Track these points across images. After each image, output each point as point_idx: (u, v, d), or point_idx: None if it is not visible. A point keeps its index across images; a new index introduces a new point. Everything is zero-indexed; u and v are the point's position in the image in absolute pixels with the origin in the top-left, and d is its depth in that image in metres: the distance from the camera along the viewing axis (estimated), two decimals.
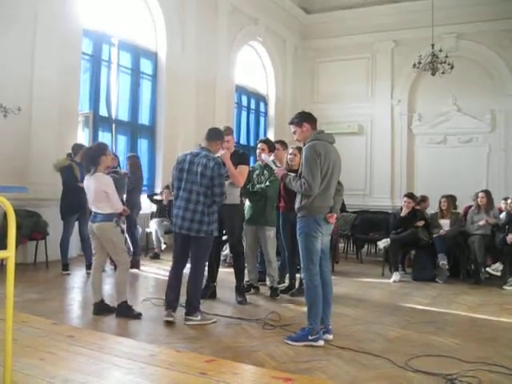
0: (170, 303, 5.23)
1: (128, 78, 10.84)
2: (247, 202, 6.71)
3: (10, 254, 2.48)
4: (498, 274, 7.78)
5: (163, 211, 9.93)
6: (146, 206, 10.58)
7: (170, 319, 5.13)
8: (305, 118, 4.81)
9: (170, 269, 5.40)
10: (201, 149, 5.29)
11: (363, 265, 9.84)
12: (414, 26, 13.83)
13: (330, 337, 4.71)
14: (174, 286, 5.27)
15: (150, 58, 11.38)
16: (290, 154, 6.74)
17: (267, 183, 6.47)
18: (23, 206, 7.87)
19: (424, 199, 9.91)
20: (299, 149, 6.35)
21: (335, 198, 4.82)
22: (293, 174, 4.76)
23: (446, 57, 11.85)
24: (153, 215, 10.16)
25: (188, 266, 5.38)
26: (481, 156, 14.04)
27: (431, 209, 9.79)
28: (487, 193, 8.50)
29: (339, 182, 4.90)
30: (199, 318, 5.16)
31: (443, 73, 11.90)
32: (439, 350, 4.46)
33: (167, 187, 9.66)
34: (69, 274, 7.65)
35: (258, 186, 6.53)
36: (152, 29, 11.42)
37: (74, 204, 7.61)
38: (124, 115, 10.74)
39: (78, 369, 3.10)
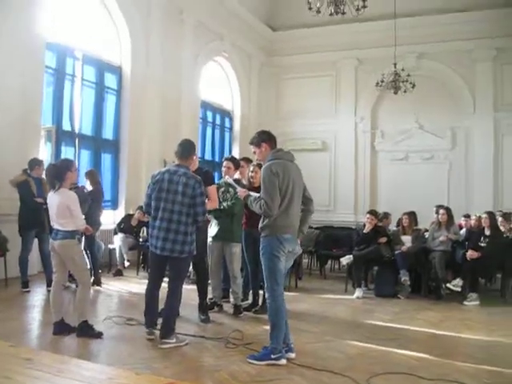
0: (150, 322, 5.21)
1: (92, 93, 10.74)
2: (213, 219, 6.69)
3: None
4: (459, 289, 7.92)
5: (129, 228, 9.80)
6: (109, 221, 10.48)
7: (152, 337, 5.13)
8: (263, 138, 4.83)
9: (146, 287, 5.33)
10: (177, 166, 5.18)
11: (326, 281, 9.88)
12: (377, 45, 14.11)
13: (293, 355, 4.71)
14: (152, 306, 5.24)
15: (114, 72, 11.30)
16: (251, 172, 6.79)
17: (233, 200, 6.48)
18: None
19: (386, 216, 10.06)
20: (259, 166, 6.40)
21: (305, 217, 4.85)
22: (254, 195, 4.75)
23: (408, 75, 12.10)
24: (116, 231, 10.01)
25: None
26: (442, 173, 14.36)
27: (393, 225, 9.94)
28: (447, 209, 8.67)
29: (310, 199, 4.92)
30: (174, 340, 5.05)
31: (405, 91, 12.15)
32: (400, 367, 4.51)
33: (140, 208, 9.48)
34: (28, 292, 7.50)
35: (224, 203, 6.53)
36: (117, 43, 11.36)
37: (31, 219, 7.53)
38: (87, 130, 10.62)
39: None
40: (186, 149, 5.28)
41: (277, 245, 4.60)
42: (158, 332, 5.15)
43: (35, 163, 7.77)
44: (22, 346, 4.32)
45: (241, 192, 4.99)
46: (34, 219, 7.49)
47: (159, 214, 5.04)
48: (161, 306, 5.32)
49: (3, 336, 4.83)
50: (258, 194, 4.74)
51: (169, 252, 5.02)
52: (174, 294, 5.18)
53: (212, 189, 6.10)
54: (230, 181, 5.70)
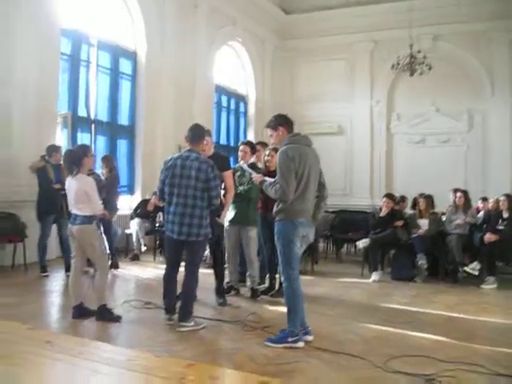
0: (169, 308, 5.26)
1: (107, 78, 10.76)
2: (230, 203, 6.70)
3: None
4: (476, 273, 7.88)
5: (145, 213, 9.86)
6: (126, 206, 10.55)
7: (172, 322, 5.18)
8: (280, 122, 4.80)
9: (164, 273, 5.37)
10: (189, 151, 5.20)
11: (343, 264, 9.89)
12: (393, 27, 13.91)
13: (310, 338, 4.73)
14: (171, 291, 5.29)
15: (129, 57, 11.31)
16: (267, 156, 6.77)
17: (249, 185, 6.48)
18: (0, 208, 7.79)
19: (403, 199, 10.02)
20: (275, 150, 6.37)
21: (318, 203, 4.82)
22: (269, 180, 4.74)
23: (424, 58, 11.97)
24: (132, 216, 10.08)
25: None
26: (459, 156, 14.22)
27: (408, 208, 9.89)
28: (465, 193, 8.61)
29: (323, 185, 4.89)
30: (192, 323, 5.10)
31: (421, 74, 12.02)
32: (418, 350, 4.50)
33: (155, 193, 9.52)
34: (47, 276, 7.60)
35: (240, 187, 6.55)
36: (131, 28, 11.35)
37: (48, 205, 7.61)
38: (103, 115, 10.66)
39: (55, 375, 3.07)
40: (196, 133, 5.31)
41: (291, 229, 4.59)
42: (176, 316, 5.20)
43: (53, 149, 7.85)
44: (41, 329, 4.38)
45: (256, 177, 4.99)
46: (51, 205, 7.59)
47: (174, 199, 5.09)
48: (179, 290, 5.37)
49: (22, 319, 4.89)
50: (272, 179, 4.73)
51: (186, 236, 5.06)
52: (191, 277, 5.22)
53: (228, 174, 6.14)
54: (245, 167, 5.70)
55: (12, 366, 3.13)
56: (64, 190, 7.09)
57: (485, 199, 10.22)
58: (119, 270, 8.30)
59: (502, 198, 8.25)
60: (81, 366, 3.05)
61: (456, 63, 14.14)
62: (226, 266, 6.62)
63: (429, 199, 8.72)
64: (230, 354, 4.40)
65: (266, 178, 4.87)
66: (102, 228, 7.85)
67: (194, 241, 5.10)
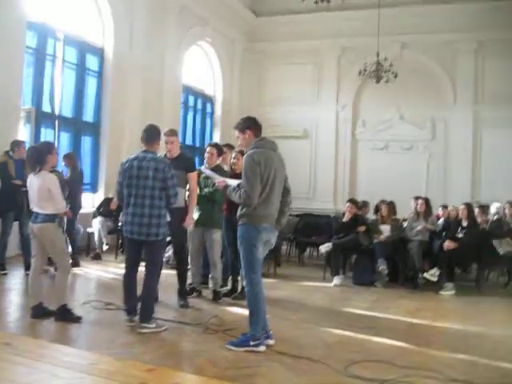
0: (131, 309, 5.21)
1: (73, 74, 10.59)
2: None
3: None
4: (435, 279, 8.03)
5: (108, 212, 9.74)
6: (88, 205, 10.42)
7: (133, 324, 5.13)
8: (248, 125, 4.80)
9: (123, 274, 5.34)
10: (144, 152, 5.22)
11: (305, 268, 9.96)
12: (361, 34, 14.05)
13: (272, 342, 4.75)
14: (131, 292, 5.25)
15: (96, 54, 11.15)
16: (233, 158, 6.78)
17: (214, 187, 6.46)
18: None
19: (365, 205, 10.15)
20: (241, 152, 6.41)
21: (283, 209, 4.83)
22: (233, 185, 4.74)
23: (391, 65, 12.14)
24: (95, 214, 9.94)
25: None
26: (421, 163, 14.49)
27: (370, 214, 10.01)
28: (426, 200, 8.78)
29: (288, 190, 4.92)
30: (154, 325, 5.08)
31: (387, 81, 12.19)
32: (378, 355, 4.57)
33: None
34: (5, 274, 7.43)
35: (205, 189, 6.53)
36: (99, 24, 11.20)
37: (9, 202, 7.48)
38: (68, 112, 10.49)
39: (14, 379, 3.01)
40: (151, 134, 5.33)
41: (254, 234, 4.60)
42: (137, 317, 5.17)
43: (16, 144, 7.73)
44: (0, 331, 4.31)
45: (219, 183, 4.97)
46: (11, 201, 7.45)
47: (131, 200, 5.09)
48: (139, 292, 5.33)
49: None
50: (236, 182, 4.72)
51: (145, 236, 5.06)
52: (152, 277, 5.22)
53: (193, 175, 6.15)
54: (208, 172, 5.66)
55: None
56: (25, 186, 6.99)
57: (445, 207, 10.44)
58: (80, 268, 8.18)
59: (461, 207, 8.44)
60: (41, 370, 3.01)
61: (421, 71, 14.39)
62: (188, 267, 6.59)
63: (391, 205, 8.86)
64: (191, 357, 4.39)
65: (229, 182, 4.86)
66: (64, 226, 7.76)
67: (154, 240, 5.10)
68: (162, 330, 5.07)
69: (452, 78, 14.14)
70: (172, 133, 6.20)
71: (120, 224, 9.52)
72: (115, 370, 2.95)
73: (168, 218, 5.33)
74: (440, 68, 14.23)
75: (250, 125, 4.81)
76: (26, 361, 3.01)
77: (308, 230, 10.53)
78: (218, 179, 5.02)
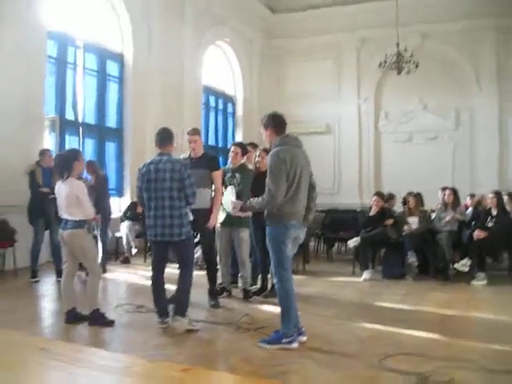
0: (162, 311, 5.26)
1: (94, 81, 10.72)
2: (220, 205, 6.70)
3: None
4: (466, 269, 7.92)
5: (135, 216, 9.83)
6: (115, 209, 10.51)
7: (165, 326, 5.18)
8: (269, 123, 4.79)
9: (151, 277, 5.38)
10: (159, 155, 5.28)
11: (334, 263, 9.92)
12: (380, 26, 13.96)
13: (304, 338, 4.74)
14: (161, 294, 5.31)
15: (116, 59, 11.26)
16: (258, 157, 6.77)
17: (240, 186, 6.48)
18: None
19: (391, 197, 10.06)
20: (265, 151, 6.41)
21: (309, 205, 4.82)
22: (252, 202, 4.80)
23: (411, 56, 12.03)
24: (122, 219, 10.04)
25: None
26: (446, 153, 14.32)
27: (397, 205, 9.92)
28: (454, 190, 8.68)
29: (313, 186, 4.90)
30: (187, 321, 5.17)
31: (408, 72, 12.07)
32: (411, 348, 4.52)
33: None
34: (38, 282, 7.54)
35: None
36: (117, 30, 11.31)
37: (37, 209, 7.62)
38: (91, 118, 10.62)
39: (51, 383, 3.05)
40: (164, 137, 5.37)
41: (283, 231, 4.59)
42: (170, 320, 5.22)
43: (42, 153, 7.89)
44: (35, 336, 4.36)
45: (236, 204, 4.99)
46: (40, 209, 7.58)
47: (152, 203, 5.16)
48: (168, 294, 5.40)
49: (15, 326, 4.88)
50: (254, 199, 4.78)
51: (169, 237, 5.13)
52: (185, 276, 5.29)
53: (218, 174, 6.16)
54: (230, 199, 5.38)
55: (8, 375, 3.12)
56: (53, 194, 7.09)
57: (473, 196, 10.30)
58: (108, 273, 8.26)
59: (490, 195, 8.31)
60: (77, 374, 3.03)
61: (443, 61, 14.22)
62: (218, 267, 6.61)
63: (418, 197, 8.79)
64: (224, 356, 4.41)
65: (248, 202, 4.88)
66: (97, 231, 7.86)
67: (178, 241, 5.16)
68: (195, 330, 5.10)
69: (475, 65, 13.94)
70: (195, 132, 6.21)
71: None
72: (151, 373, 2.96)
73: (191, 218, 5.36)
74: (462, 56, 14.06)
75: (272, 122, 4.79)
76: (62, 365, 3.04)
77: (335, 225, 10.50)
78: (235, 202, 5.03)
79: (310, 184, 4.84)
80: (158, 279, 5.33)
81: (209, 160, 6.20)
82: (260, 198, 4.62)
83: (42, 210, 7.55)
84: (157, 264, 5.37)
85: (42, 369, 3.32)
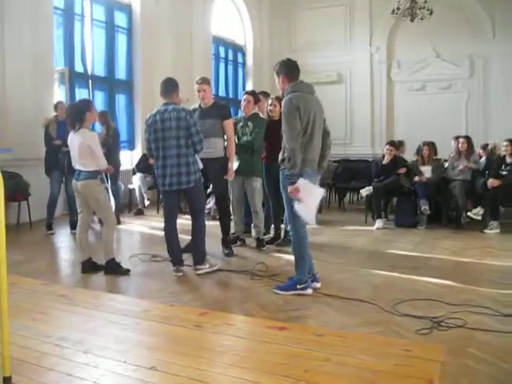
0: (177, 259, 5.36)
1: (103, 32, 10.55)
2: None
3: None
4: (479, 218, 7.89)
5: (147, 168, 9.84)
6: (127, 162, 10.54)
7: (180, 274, 5.29)
8: (282, 69, 4.69)
9: (164, 227, 5.43)
10: (165, 105, 5.29)
11: (346, 213, 9.93)
12: None
13: (318, 285, 4.79)
14: (175, 243, 5.39)
15: (124, 10, 11.06)
16: (270, 105, 6.69)
17: (253, 135, 6.43)
18: (2, 166, 7.73)
19: (401, 144, 9.96)
20: (278, 99, 6.34)
21: (323, 152, 4.75)
22: (287, 162, 4.46)
23: (425, 2, 11.68)
24: (134, 171, 10.06)
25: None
26: (460, 102, 14.06)
27: (408, 154, 9.82)
28: (467, 138, 8.57)
29: (328, 133, 4.84)
30: (207, 265, 5.38)
31: (422, 19, 11.76)
32: (425, 294, 4.56)
33: None
34: (53, 234, 7.63)
35: (244, 138, 6.50)
36: None
37: (51, 161, 7.69)
38: (100, 71, 10.51)
39: (73, 327, 3.12)
40: (169, 86, 5.41)
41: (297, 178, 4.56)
42: (184, 268, 5.33)
43: (57, 105, 7.87)
44: (54, 284, 4.44)
45: (291, 192, 4.44)
46: (53, 162, 7.64)
47: (160, 153, 5.21)
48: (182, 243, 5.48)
49: (33, 276, 4.96)
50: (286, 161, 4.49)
51: (177, 185, 5.19)
52: (199, 223, 5.42)
53: (229, 123, 6.10)
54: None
55: (30, 322, 3.21)
56: (66, 146, 7.12)
57: (485, 147, 10.17)
58: (122, 225, 8.34)
59: (505, 143, 8.19)
60: (98, 318, 3.11)
61: (457, 7, 13.79)
62: (231, 217, 6.64)
63: (431, 146, 8.69)
64: (240, 302, 4.45)
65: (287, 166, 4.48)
66: (108, 184, 7.91)
67: (186, 188, 5.22)
68: (215, 269, 5.35)
69: (490, 11, 13.50)
70: (203, 80, 6.11)
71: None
72: (169, 315, 3.03)
73: (200, 166, 5.39)
74: (476, 2, 13.63)
75: (284, 69, 4.70)
76: (83, 310, 3.12)
77: (347, 175, 10.46)
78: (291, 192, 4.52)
79: (324, 130, 4.78)
80: (170, 229, 5.38)
81: (220, 109, 6.13)
82: (286, 155, 4.44)
83: (56, 162, 7.61)
84: (169, 213, 5.42)
85: (62, 314, 3.41)
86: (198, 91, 6.08)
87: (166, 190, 5.27)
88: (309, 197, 4.43)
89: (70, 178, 7.08)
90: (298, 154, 4.39)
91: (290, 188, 4.41)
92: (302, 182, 4.39)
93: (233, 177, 6.25)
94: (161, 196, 9.57)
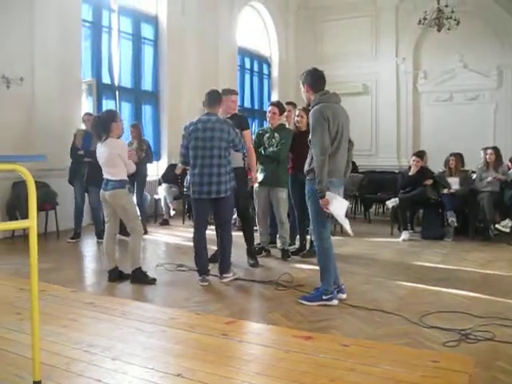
0: (203, 269, 5.40)
1: (129, 44, 10.72)
2: (258, 165, 6.70)
3: (31, 223, 2.48)
4: (507, 230, 7.79)
5: (173, 178, 9.94)
6: (153, 172, 10.64)
7: (206, 284, 5.32)
8: (306, 79, 4.70)
9: (193, 236, 5.49)
10: (207, 115, 5.37)
11: (371, 225, 9.87)
12: None
13: (344, 296, 4.76)
14: (203, 253, 5.45)
15: (150, 22, 11.22)
16: (297, 116, 6.70)
17: (279, 146, 6.46)
18: (33, 176, 7.89)
19: (423, 153, 9.83)
20: (304, 110, 6.35)
21: (348, 161, 4.77)
22: (316, 176, 4.44)
23: (452, 12, 11.62)
24: (160, 181, 10.16)
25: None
26: (487, 113, 13.90)
27: (433, 165, 9.69)
28: (496, 149, 8.47)
29: (351, 142, 4.84)
30: (231, 274, 5.47)
31: (449, 29, 11.68)
32: (452, 306, 4.50)
33: None
34: (75, 242, 7.75)
35: (270, 149, 6.52)
36: None
37: (73, 170, 7.90)
38: (127, 82, 10.66)
39: (102, 334, 3.16)
40: (214, 98, 5.49)
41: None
42: (209, 278, 5.37)
43: (84, 116, 8.03)
44: (83, 291, 4.49)
45: (323, 204, 4.45)
46: (75, 171, 7.84)
47: (198, 161, 5.28)
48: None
49: (60, 284, 5.03)
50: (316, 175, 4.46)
51: (216, 194, 5.27)
52: (227, 234, 5.49)
53: (247, 133, 6.14)
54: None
55: (58, 328, 3.26)
56: (87, 156, 7.25)
57: None
58: (148, 235, 8.40)
59: None
60: (125, 325, 3.14)
61: (485, 17, 13.68)
62: (256, 228, 6.65)
63: (459, 157, 8.61)
64: (265, 312, 4.45)
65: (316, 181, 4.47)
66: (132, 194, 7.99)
67: (223, 197, 5.31)
68: (237, 277, 5.50)
69: None
70: (234, 92, 6.23)
71: (185, 189, 9.73)
72: (196, 323, 3.05)
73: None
74: (505, 12, 13.47)
75: (308, 79, 4.70)
76: (110, 317, 3.16)
77: (373, 186, 10.41)
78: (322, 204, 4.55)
79: (349, 140, 4.79)
80: (200, 237, 5.43)
81: (239, 119, 6.17)
82: (315, 166, 4.42)
83: (78, 172, 7.78)
84: (199, 222, 5.48)
85: (90, 321, 3.46)
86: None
87: (203, 198, 5.31)
88: (338, 209, 4.50)
89: (92, 189, 7.29)
90: (325, 169, 4.39)
91: (321, 201, 4.43)
92: (329, 194, 4.41)
93: (256, 183, 6.29)
94: (186, 207, 9.74)
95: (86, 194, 7.87)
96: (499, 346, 3.57)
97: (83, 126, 8.14)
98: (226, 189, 5.31)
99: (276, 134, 6.51)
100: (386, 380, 2.57)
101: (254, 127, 13.66)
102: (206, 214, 5.52)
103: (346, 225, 4.76)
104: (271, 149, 6.52)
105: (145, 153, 8.46)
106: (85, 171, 7.57)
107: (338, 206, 4.51)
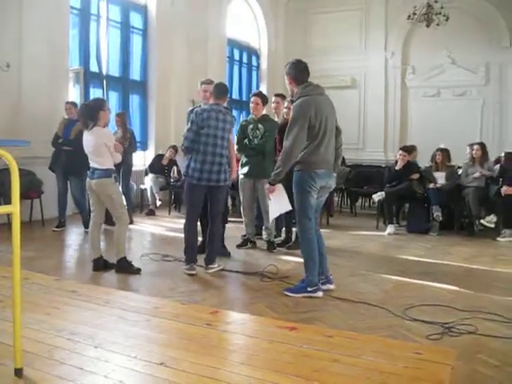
0: (192, 258, 5.41)
1: (118, 33, 10.62)
2: (243, 157, 6.68)
3: (14, 208, 2.45)
4: (492, 225, 7.85)
5: (160, 168, 9.91)
6: (140, 162, 10.59)
7: (194, 272, 5.33)
8: (289, 71, 4.71)
9: (184, 226, 5.47)
10: (216, 105, 5.45)
11: (357, 218, 9.91)
12: None
13: (332, 286, 4.80)
14: (194, 243, 5.48)
15: (139, 11, 11.13)
16: (286, 108, 6.69)
17: (264, 138, 6.44)
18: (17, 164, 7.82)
19: (414, 148, 9.89)
20: (293, 102, 6.32)
21: (337, 150, 4.79)
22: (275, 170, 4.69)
23: (442, 8, 11.66)
24: (147, 172, 10.12)
25: None
26: (475, 109, 13.97)
27: (420, 160, 9.74)
28: (482, 145, 8.51)
29: (339, 131, 4.86)
30: (217, 265, 5.52)
31: (438, 24, 11.73)
32: (436, 300, 4.53)
33: (173, 147, 9.80)
34: (58, 231, 7.70)
35: (254, 141, 6.50)
36: None
37: (54, 160, 7.81)
38: (115, 71, 10.57)
39: (84, 322, 3.14)
40: (221, 90, 5.58)
41: (309, 180, 4.56)
42: (197, 267, 5.39)
43: (66, 104, 7.93)
44: (66, 280, 4.46)
45: (269, 190, 4.85)
46: (56, 159, 7.77)
47: (201, 148, 5.32)
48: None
49: (44, 272, 5.00)
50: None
51: (215, 182, 5.34)
52: (216, 225, 5.51)
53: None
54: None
55: (41, 316, 3.24)
56: (67, 145, 7.18)
57: (497, 161, 10.05)
58: (134, 225, 8.37)
59: None
60: (109, 313, 3.13)
61: (474, 13, 13.71)
62: (242, 219, 6.65)
63: (445, 152, 8.65)
64: (249, 303, 4.45)
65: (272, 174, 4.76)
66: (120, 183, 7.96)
67: (221, 186, 5.42)
68: (222, 268, 5.51)
69: (508, 18, 13.41)
70: (210, 81, 6.14)
71: (172, 180, 9.71)
72: (180, 313, 3.04)
73: None
74: (494, 9, 13.51)
75: (293, 68, 4.71)
76: (94, 306, 3.14)
77: (359, 180, 10.43)
78: (267, 193, 4.96)
79: (336, 129, 4.81)
80: (192, 228, 5.45)
81: None
82: (281, 155, 4.61)
83: (59, 161, 7.72)
84: (193, 210, 5.45)
85: (73, 309, 3.44)
86: (205, 91, 6.07)
87: (202, 184, 5.31)
88: (277, 204, 4.89)
89: (72, 178, 7.27)
90: (289, 162, 4.53)
91: (269, 186, 4.73)
92: (280, 188, 4.77)
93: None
94: (172, 197, 9.70)
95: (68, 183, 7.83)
96: (481, 340, 3.60)
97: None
98: (225, 178, 5.43)
99: (260, 126, 6.49)
100: (369, 371, 2.58)
101: (241, 118, 13.63)
102: (200, 201, 5.42)
103: (271, 215, 5.43)
104: (256, 141, 6.50)
105: (128, 142, 8.39)
106: (64, 160, 7.50)
107: (279, 202, 4.86)
